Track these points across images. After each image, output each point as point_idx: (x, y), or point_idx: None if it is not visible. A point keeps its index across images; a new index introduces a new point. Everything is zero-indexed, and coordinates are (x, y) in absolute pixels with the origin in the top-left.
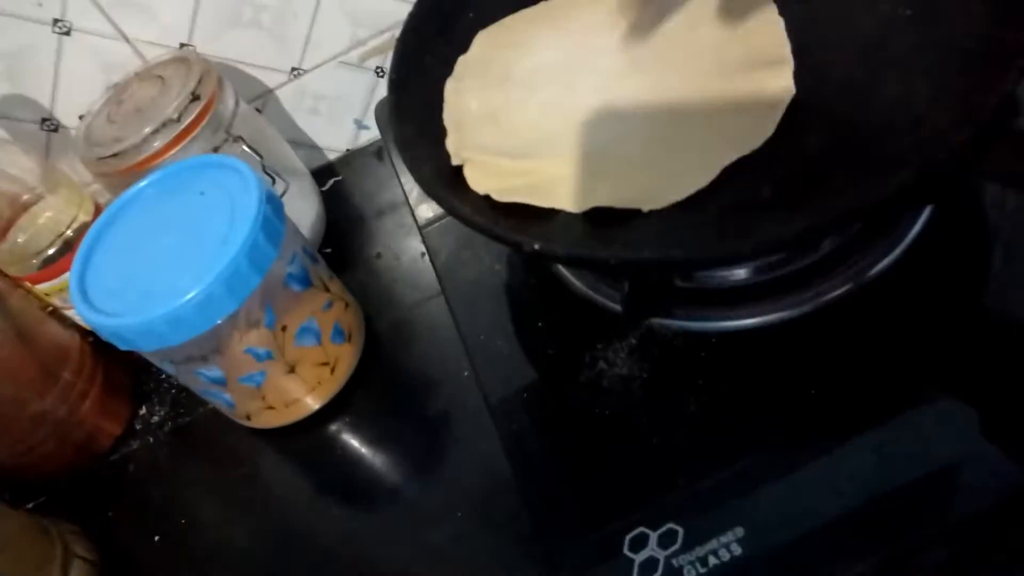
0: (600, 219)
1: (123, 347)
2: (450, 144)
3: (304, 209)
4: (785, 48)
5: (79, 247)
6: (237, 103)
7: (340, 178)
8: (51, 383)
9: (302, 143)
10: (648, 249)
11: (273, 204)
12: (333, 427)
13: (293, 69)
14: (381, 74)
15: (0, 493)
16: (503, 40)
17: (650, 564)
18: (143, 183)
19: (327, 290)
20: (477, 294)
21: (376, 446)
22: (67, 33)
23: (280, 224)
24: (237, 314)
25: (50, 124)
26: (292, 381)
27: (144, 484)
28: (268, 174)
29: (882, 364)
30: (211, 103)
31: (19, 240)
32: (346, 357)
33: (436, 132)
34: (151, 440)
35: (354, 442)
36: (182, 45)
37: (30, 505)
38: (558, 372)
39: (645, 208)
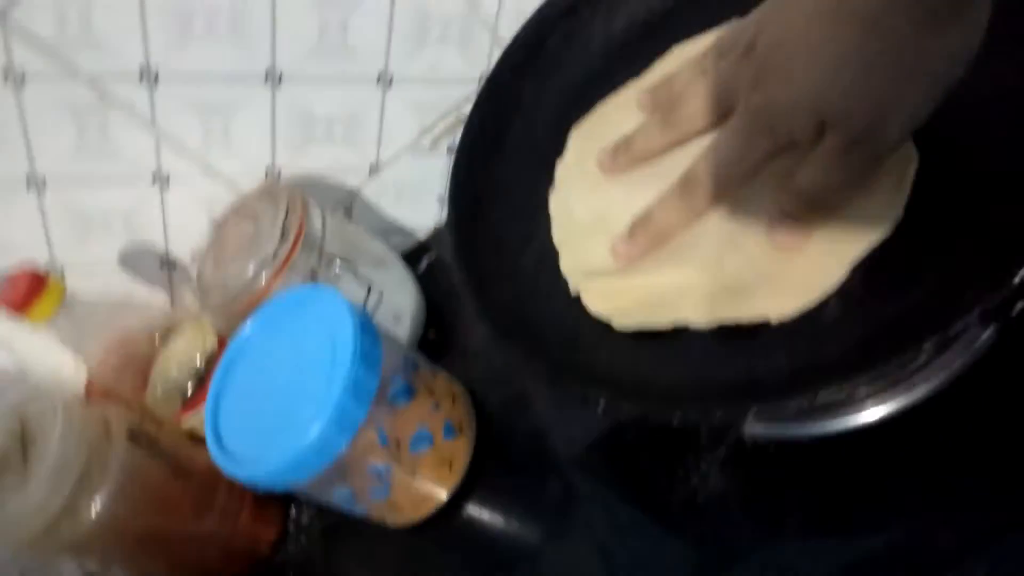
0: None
1: (260, 490)
2: (564, 266)
3: (402, 301)
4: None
5: (207, 397)
6: (324, 220)
7: (434, 255)
8: (208, 506)
9: (393, 231)
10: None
11: (368, 334)
12: (463, 515)
13: (372, 166)
14: (453, 150)
15: None
16: (597, 133)
17: None
18: (248, 326)
19: (432, 393)
20: None
21: (505, 527)
22: (167, 182)
23: (377, 351)
24: (352, 443)
25: (168, 264)
26: (415, 485)
27: None
28: (361, 280)
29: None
30: (300, 232)
31: (170, 376)
32: (461, 450)
33: (505, 268)
34: (304, 540)
35: (484, 526)
36: (267, 170)
37: None
38: (652, 490)
39: (774, 320)
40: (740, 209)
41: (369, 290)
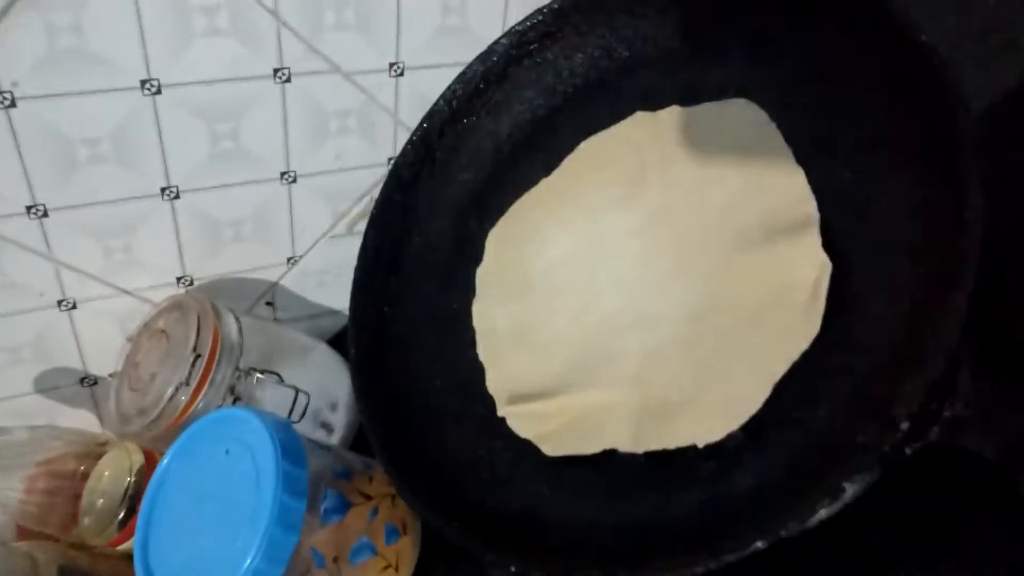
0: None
1: None
2: (490, 384)
3: (335, 389)
4: (808, 203)
5: (136, 532)
6: (240, 327)
7: None
8: None
9: (320, 314)
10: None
11: (292, 455)
12: None
13: (289, 259)
14: None
15: None
16: (514, 234)
17: None
18: (168, 456)
19: (369, 499)
20: None
21: None
22: (74, 308)
23: (302, 472)
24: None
25: (88, 380)
26: None
27: None
28: (286, 385)
29: None
30: (215, 346)
31: (98, 504)
32: (406, 549)
33: (415, 407)
34: None
35: None
36: (179, 279)
37: None
38: None
39: (700, 444)
40: (657, 323)
41: (297, 393)
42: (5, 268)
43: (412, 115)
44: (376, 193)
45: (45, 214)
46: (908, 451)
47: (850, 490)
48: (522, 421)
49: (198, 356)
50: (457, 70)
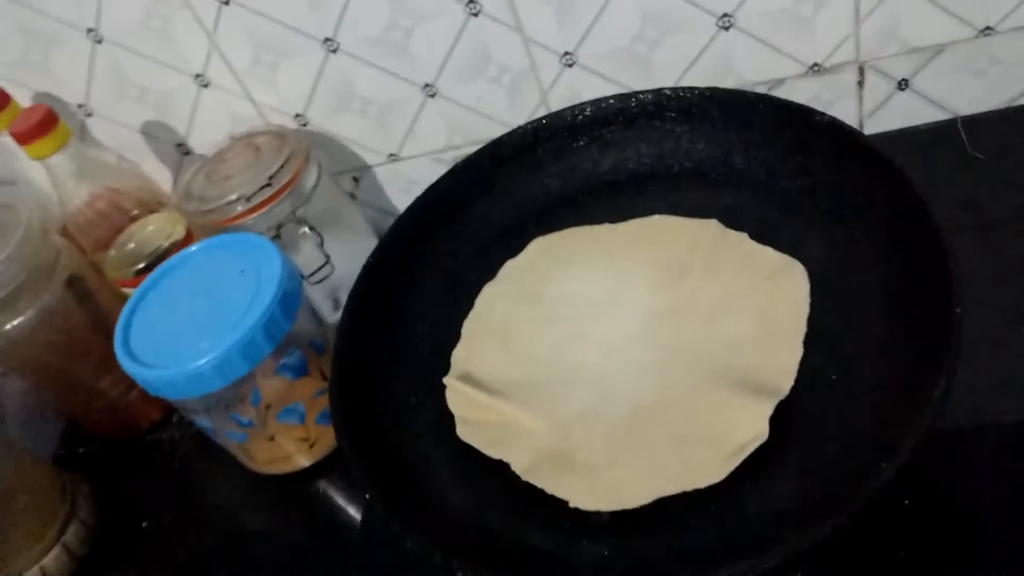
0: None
1: (151, 393)
2: (455, 353)
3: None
4: (787, 379)
5: (131, 296)
6: (318, 183)
7: None
8: (109, 370)
9: (389, 212)
10: None
11: (293, 291)
12: (316, 488)
13: (391, 155)
14: None
15: (47, 440)
16: (554, 250)
17: None
18: (195, 247)
19: (325, 379)
20: None
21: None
22: (206, 86)
23: (295, 307)
24: (230, 388)
25: (183, 148)
26: (269, 447)
27: (160, 470)
28: (321, 252)
29: None
30: (289, 184)
31: (129, 246)
32: (328, 437)
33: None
34: (177, 436)
35: (331, 504)
36: (297, 115)
37: (61, 452)
38: None
39: (571, 504)
40: (610, 395)
41: (327, 261)
42: (174, 26)
43: (555, 102)
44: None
45: (228, 1)
46: None
47: None
48: (457, 397)
49: (269, 184)
50: (612, 89)
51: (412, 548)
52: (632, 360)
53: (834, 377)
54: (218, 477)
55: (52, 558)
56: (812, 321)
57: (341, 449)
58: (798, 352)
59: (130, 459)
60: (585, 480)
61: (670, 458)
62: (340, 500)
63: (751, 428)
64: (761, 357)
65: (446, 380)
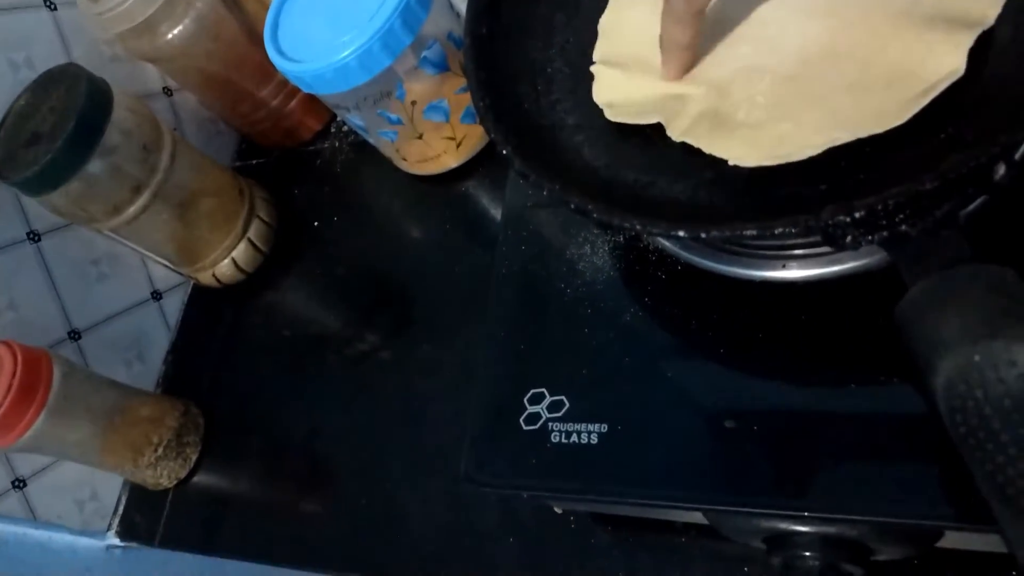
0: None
1: (304, 89)
2: (603, 22)
3: None
4: (993, 8)
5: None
6: None
7: None
8: (269, 78)
9: None
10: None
11: None
12: (465, 187)
13: None
14: None
15: (224, 151)
16: None
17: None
18: None
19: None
20: None
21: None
22: None
23: (425, 9)
24: (375, 82)
25: None
26: (419, 145)
27: (326, 177)
28: None
29: None
30: None
31: None
32: (476, 136)
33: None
34: (337, 144)
35: (479, 200)
36: None
37: (238, 164)
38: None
39: (731, 162)
40: (773, 49)
41: None
42: None
43: None
44: None
45: None
46: None
47: None
48: (602, 84)
49: None
50: None
51: (548, 197)
52: (805, 5)
53: None
54: (376, 181)
55: (240, 251)
56: None
57: (482, 123)
58: None
59: (298, 168)
60: (746, 136)
61: (844, 106)
62: (485, 200)
63: (945, 66)
64: None
65: (592, 68)
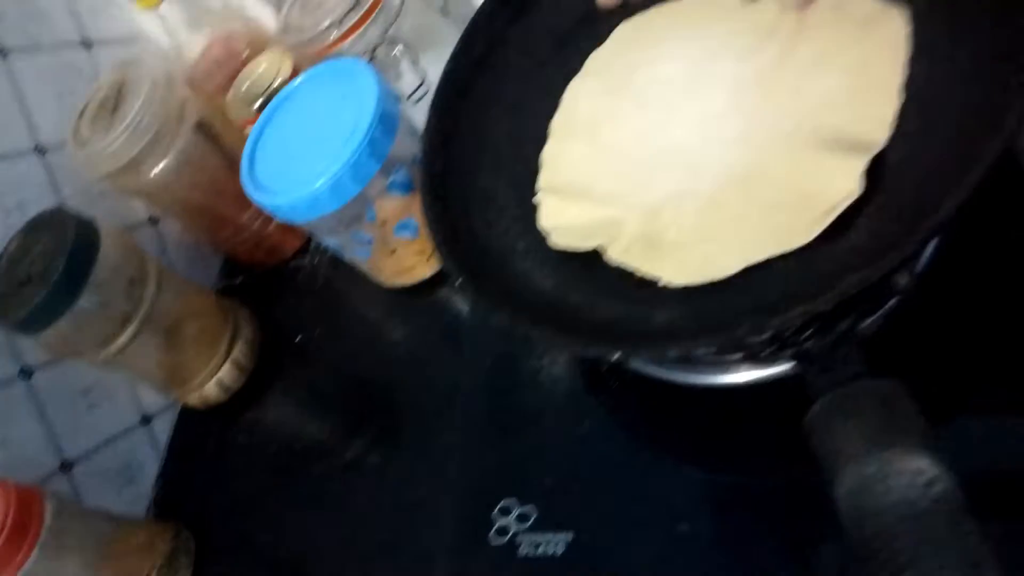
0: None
1: (279, 218)
2: (545, 152)
3: None
4: (881, 132)
5: (252, 130)
6: (400, 10)
7: None
8: (249, 204)
9: None
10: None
11: (391, 110)
12: (439, 295)
13: None
14: None
15: (208, 272)
16: (640, 35)
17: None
18: (300, 80)
19: None
20: None
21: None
22: None
23: (394, 125)
24: (347, 208)
25: None
26: (392, 260)
27: (306, 292)
28: (417, 71)
29: None
30: (375, 5)
31: (244, 87)
32: None
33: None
34: (316, 260)
35: (455, 308)
36: None
37: (222, 284)
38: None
39: (661, 282)
40: (699, 174)
41: (421, 83)
42: None
43: None
44: None
45: None
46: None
47: None
48: (546, 211)
49: (359, 5)
50: None
51: (498, 323)
52: (721, 134)
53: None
54: (354, 294)
55: (225, 371)
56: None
57: (438, 255)
58: (894, 102)
59: (279, 284)
60: (676, 257)
61: (758, 226)
62: (459, 305)
63: (842, 189)
64: (853, 111)
65: (536, 199)
